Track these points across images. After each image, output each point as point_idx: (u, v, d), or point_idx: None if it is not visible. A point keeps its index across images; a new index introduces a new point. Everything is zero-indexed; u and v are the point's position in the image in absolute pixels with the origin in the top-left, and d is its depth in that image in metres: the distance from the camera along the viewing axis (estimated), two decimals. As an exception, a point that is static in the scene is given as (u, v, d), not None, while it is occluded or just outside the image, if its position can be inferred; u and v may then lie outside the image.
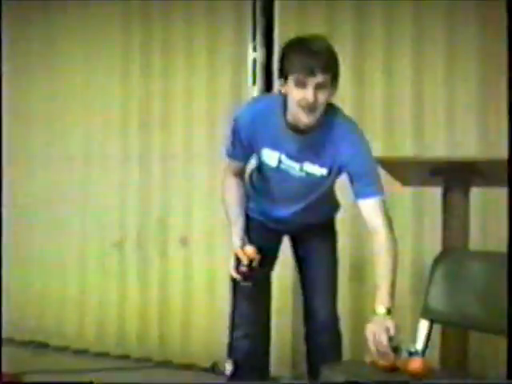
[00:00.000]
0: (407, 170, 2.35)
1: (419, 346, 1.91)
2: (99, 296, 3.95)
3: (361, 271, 3.20)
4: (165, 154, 3.78)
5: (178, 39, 3.76)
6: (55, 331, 4.05)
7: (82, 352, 3.93)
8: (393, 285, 1.88)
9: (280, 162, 2.05)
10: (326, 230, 2.38)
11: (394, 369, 1.75)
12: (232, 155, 2.18)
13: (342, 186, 2.18)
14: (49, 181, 4.12)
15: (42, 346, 4.03)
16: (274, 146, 2.04)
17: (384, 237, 1.93)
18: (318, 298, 2.31)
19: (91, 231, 4.01)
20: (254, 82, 3.59)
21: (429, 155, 3.02)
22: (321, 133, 1.98)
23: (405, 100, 3.22)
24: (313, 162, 2.03)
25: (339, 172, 2.05)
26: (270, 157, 2.06)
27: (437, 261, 2.01)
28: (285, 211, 2.22)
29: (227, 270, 2.21)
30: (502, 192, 2.12)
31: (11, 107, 4.02)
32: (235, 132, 2.10)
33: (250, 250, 2.16)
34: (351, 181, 2.00)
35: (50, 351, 3.98)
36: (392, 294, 1.87)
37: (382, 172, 2.12)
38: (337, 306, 2.34)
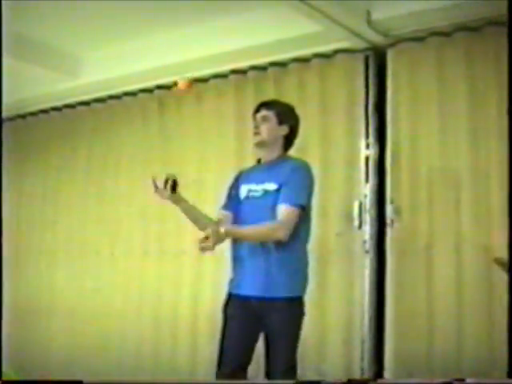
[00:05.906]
0: None
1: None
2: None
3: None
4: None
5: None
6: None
7: None
8: (244, 236, 2.57)
9: (249, 190, 2.67)
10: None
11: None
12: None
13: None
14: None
15: None
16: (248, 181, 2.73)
17: (274, 224, 2.51)
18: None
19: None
20: (367, 180, 3.55)
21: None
22: (278, 163, 2.67)
23: None
24: (269, 181, 2.61)
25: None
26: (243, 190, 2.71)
27: None
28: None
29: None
30: None
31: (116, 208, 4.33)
32: None
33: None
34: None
35: None
36: (236, 235, 2.56)
37: None
38: None
